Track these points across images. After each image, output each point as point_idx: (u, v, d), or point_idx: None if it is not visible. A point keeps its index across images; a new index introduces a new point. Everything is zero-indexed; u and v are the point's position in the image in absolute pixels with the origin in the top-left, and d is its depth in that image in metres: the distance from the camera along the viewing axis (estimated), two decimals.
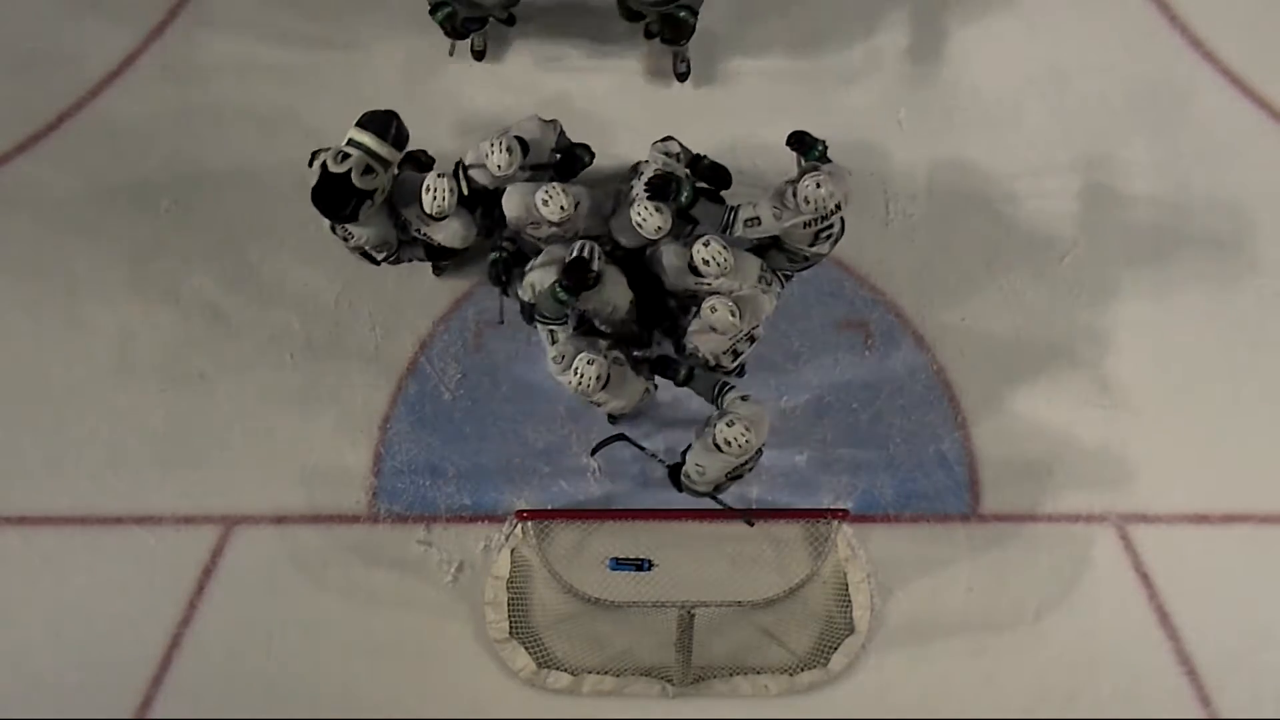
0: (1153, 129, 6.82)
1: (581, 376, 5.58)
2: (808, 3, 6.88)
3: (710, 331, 5.74)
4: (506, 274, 6.18)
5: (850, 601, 6.41)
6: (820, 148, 5.91)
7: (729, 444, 5.55)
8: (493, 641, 6.40)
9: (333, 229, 6.04)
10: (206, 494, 6.47)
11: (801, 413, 6.60)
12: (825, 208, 5.72)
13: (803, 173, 5.76)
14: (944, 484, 6.55)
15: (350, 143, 5.78)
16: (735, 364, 5.97)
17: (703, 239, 5.69)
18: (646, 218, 5.69)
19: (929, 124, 6.80)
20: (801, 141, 5.95)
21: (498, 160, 5.83)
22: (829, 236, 5.94)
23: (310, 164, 5.86)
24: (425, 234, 6.00)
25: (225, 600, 6.43)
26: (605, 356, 5.70)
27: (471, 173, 6.02)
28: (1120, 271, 6.70)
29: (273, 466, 6.50)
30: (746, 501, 6.51)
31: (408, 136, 5.91)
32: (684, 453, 5.90)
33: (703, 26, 6.39)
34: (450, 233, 5.97)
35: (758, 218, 5.78)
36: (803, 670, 6.42)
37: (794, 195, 5.71)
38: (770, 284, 5.94)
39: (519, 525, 6.42)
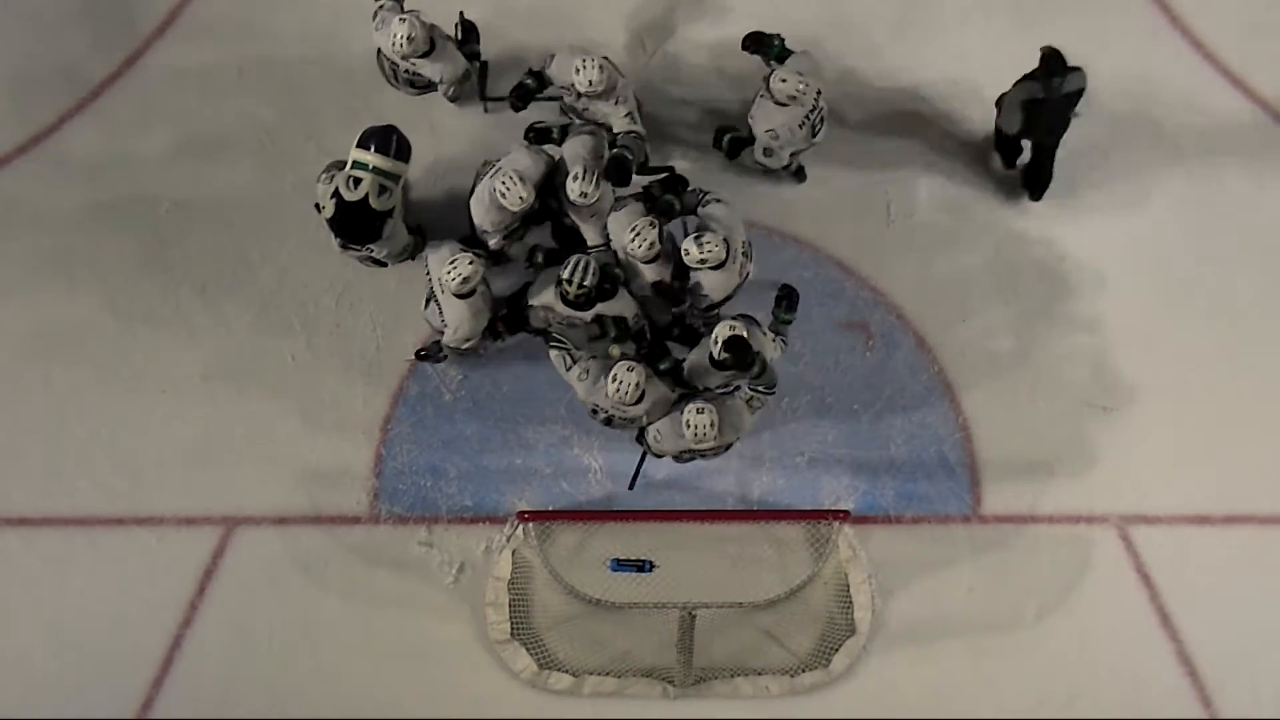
0: (1152, 130, 6.82)
1: (621, 383, 5.60)
2: (810, 5, 6.89)
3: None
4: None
5: (851, 602, 6.41)
6: (777, 43, 6.03)
7: (688, 426, 5.64)
8: (494, 643, 6.39)
9: (344, 247, 5.99)
10: (208, 495, 6.47)
11: (802, 413, 6.60)
12: (810, 93, 5.92)
13: (767, 77, 5.90)
14: (945, 485, 6.55)
15: (357, 165, 5.73)
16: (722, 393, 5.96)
17: (681, 246, 5.77)
18: (640, 241, 5.74)
19: (930, 125, 6.80)
20: (759, 42, 6.06)
21: (520, 193, 5.74)
22: (823, 120, 6.10)
23: (319, 199, 5.83)
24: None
25: (226, 601, 6.42)
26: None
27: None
28: (1120, 272, 6.71)
29: (274, 467, 6.50)
30: (748, 502, 6.53)
31: (409, 146, 5.87)
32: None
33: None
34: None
35: (774, 129, 5.97)
36: (804, 671, 6.41)
37: (774, 101, 5.90)
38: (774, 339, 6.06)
39: (520, 526, 6.41)
